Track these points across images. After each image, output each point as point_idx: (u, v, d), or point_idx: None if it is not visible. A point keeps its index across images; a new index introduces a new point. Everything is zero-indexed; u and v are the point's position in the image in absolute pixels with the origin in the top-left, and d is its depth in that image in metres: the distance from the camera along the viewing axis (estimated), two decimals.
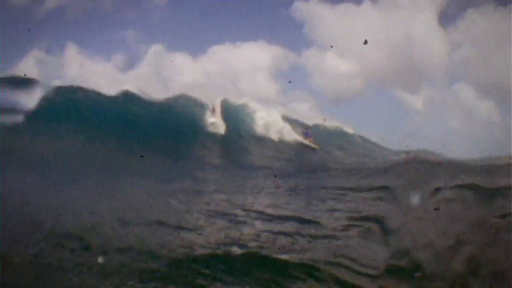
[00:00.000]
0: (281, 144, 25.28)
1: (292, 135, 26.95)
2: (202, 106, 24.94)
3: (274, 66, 49.70)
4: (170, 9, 50.38)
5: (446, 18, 56.52)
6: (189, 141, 21.03)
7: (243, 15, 54.75)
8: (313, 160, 22.37)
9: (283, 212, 7.24)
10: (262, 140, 24.80)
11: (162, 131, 21.43)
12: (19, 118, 18.56)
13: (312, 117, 31.72)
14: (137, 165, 14.60)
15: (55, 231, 5.83)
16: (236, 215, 6.86)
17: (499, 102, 46.27)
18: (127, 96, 23.88)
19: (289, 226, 6.26)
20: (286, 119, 28.27)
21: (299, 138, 27.07)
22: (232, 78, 42.94)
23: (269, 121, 26.89)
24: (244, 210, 7.40)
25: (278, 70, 53.16)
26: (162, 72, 46.63)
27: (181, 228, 6.17)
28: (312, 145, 27.05)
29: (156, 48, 45.19)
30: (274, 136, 25.96)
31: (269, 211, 7.29)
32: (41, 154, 13.92)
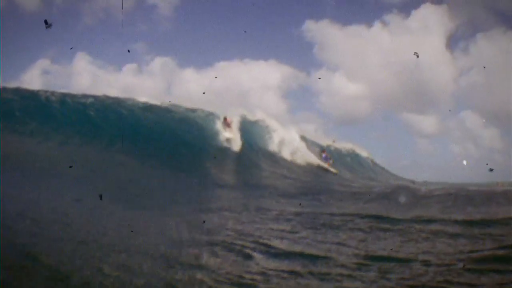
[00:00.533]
0: (297, 165, 24.42)
1: (309, 156, 26.04)
2: (215, 120, 24.20)
3: (284, 86, 49.24)
4: (178, 21, 50.32)
5: (454, 42, 55.87)
6: (200, 156, 20.42)
7: (255, 34, 54.64)
8: (322, 182, 21.79)
9: (290, 244, 6.77)
10: (277, 159, 24.00)
11: (172, 145, 20.95)
12: None
13: (317, 138, 31.11)
14: (141, 181, 14.18)
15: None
16: (241, 247, 6.35)
17: (502, 129, 45.78)
18: (141, 107, 23.46)
19: (297, 262, 5.77)
20: (303, 139, 27.49)
21: (319, 162, 26.17)
22: (240, 95, 42.52)
23: (287, 140, 25.88)
24: (249, 238, 6.93)
25: (288, 89, 52.83)
26: (171, 85, 46.56)
27: (180, 262, 5.57)
28: (332, 169, 26.23)
29: (164, 61, 45.09)
30: (291, 156, 25.02)
31: (275, 242, 6.81)
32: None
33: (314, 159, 25.99)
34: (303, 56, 58.32)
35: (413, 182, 31.04)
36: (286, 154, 24.84)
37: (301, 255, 5.99)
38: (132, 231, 7.04)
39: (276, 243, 6.71)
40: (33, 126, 18.14)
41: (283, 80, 47.75)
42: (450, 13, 46.34)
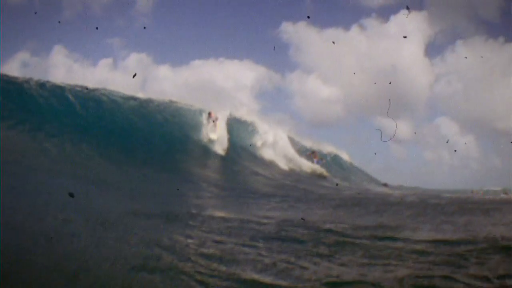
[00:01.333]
0: (278, 164, 23.48)
1: (295, 158, 25.15)
2: (201, 114, 23.02)
3: (257, 86, 48.32)
4: (155, 18, 49.06)
5: (433, 49, 55.47)
6: (178, 152, 19.43)
7: (231, 33, 53.45)
8: (294, 180, 21.08)
9: (249, 267, 6.01)
10: (259, 158, 22.96)
11: (149, 138, 20.01)
12: None
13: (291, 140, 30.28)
14: (107, 176, 13.28)
15: None
16: (191, 275, 5.51)
17: (479, 137, 46.05)
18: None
19: None
20: (290, 139, 26.65)
21: (310, 165, 25.29)
22: (214, 94, 41.56)
23: (275, 141, 24.66)
24: (205, 262, 6.15)
25: (262, 90, 51.48)
26: (146, 82, 45.29)
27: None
28: (324, 172, 25.46)
29: (140, 57, 43.78)
30: (275, 156, 24.01)
31: (233, 265, 6.02)
32: None
33: (302, 162, 25.04)
34: (278, 57, 57.08)
35: (386, 184, 30.94)
36: (269, 154, 23.73)
37: (261, 285, 5.23)
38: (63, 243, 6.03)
39: (234, 266, 5.93)
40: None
41: (257, 81, 46.94)
42: (430, 20, 46.05)
